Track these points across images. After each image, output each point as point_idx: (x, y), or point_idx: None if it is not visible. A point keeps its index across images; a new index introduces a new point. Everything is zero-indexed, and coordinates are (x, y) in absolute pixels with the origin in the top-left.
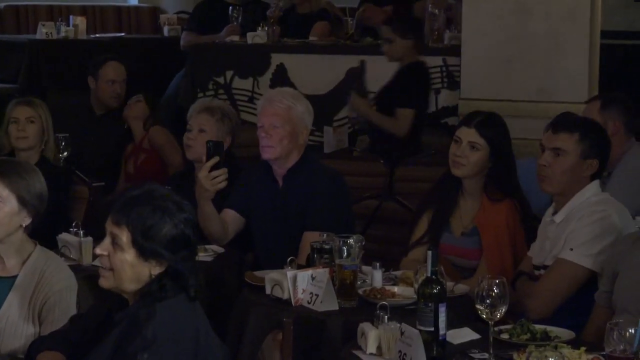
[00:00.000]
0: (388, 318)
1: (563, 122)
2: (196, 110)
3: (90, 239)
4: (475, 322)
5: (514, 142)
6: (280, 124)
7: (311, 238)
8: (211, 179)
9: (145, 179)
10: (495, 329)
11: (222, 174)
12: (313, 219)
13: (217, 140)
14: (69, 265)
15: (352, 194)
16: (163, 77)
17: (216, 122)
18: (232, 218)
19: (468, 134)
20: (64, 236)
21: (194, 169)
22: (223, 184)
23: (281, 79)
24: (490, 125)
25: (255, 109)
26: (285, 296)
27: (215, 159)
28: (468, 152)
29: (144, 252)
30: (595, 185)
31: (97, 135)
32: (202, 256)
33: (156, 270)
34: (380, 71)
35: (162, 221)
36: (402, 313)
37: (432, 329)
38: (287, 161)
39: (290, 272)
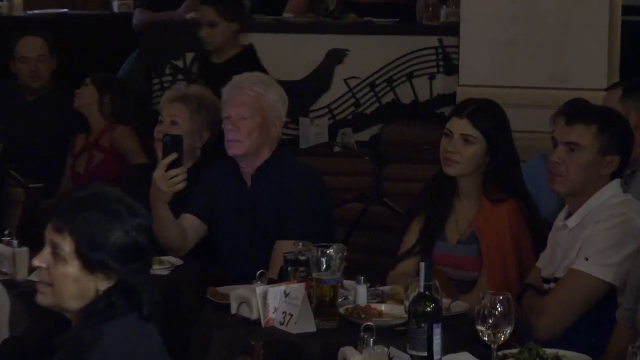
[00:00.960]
0: (374, 341)
1: (579, 112)
2: (168, 98)
3: (25, 249)
4: (476, 345)
5: (521, 136)
6: (249, 114)
7: (284, 248)
8: (168, 178)
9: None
10: (499, 353)
11: (180, 173)
12: (286, 226)
13: (176, 133)
14: (0, 280)
15: (333, 196)
16: (113, 61)
17: (191, 114)
18: (191, 224)
19: (460, 126)
20: None
21: None
22: (182, 185)
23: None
24: (485, 114)
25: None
26: (254, 316)
27: (173, 156)
28: (461, 146)
29: (90, 264)
30: (615, 184)
31: (33, 126)
32: (157, 269)
33: (103, 285)
34: (367, 54)
35: (111, 227)
36: (391, 335)
37: (426, 353)
38: (257, 158)
39: (259, 288)
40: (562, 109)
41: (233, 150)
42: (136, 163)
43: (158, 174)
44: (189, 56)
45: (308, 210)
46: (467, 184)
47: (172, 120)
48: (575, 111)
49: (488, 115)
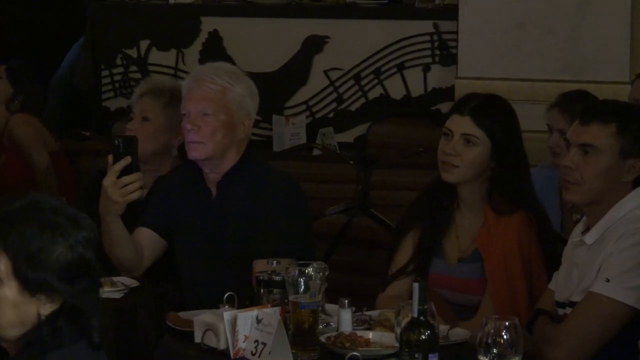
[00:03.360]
0: None
1: (595, 109)
2: (139, 92)
3: None
4: None
5: (530, 136)
6: (212, 111)
7: (260, 267)
8: (120, 186)
9: (5, 189)
10: None
11: (135, 180)
12: (258, 241)
13: (128, 135)
14: None
15: (312, 207)
16: (56, 49)
17: (163, 108)
18: (148, 240)
19: (461, 124)
20: None
21: None
22: (137, 194)
23: (215, 51)
24: (490, 111)
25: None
26: (222, 345)
27: (126, 160)
28: (462, 148)
29: (31, 285)
30: (639, 193)
31: None
32: (109, 292)
33: (47, 308)
34: (351, 42)
35: (53, 242)
36: None
37: None
38: (223, 162)
39: (227, 313)
40: (558, 99)
41: (194, 153)
42: (35, 157)
43: (109, 181)
44: (144, 44)
45: (283, 223)
46: (469, 193)
47: (143, 116)
48: (591, 108)
49: (494, 113)
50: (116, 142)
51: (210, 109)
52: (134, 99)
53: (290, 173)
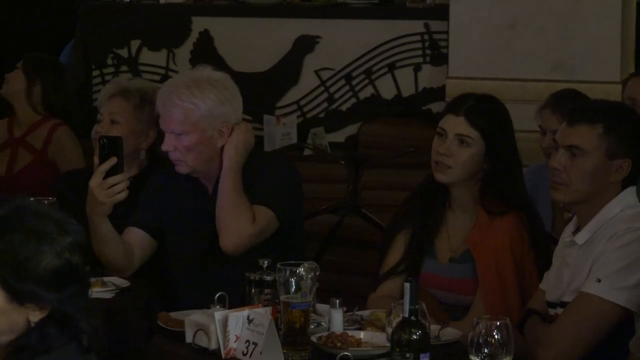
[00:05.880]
0: None
1: (581, 110)
2: (107, 94)
3: None
4: None
5: (521, 136)
6: (182, 131)
7: None
8: (107, 187)
9: (22, 190)
10: None
11: (121, 180)
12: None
13: (114, 135)
14: None
15: (303, 207)
16: (49, 50)
17: (133, 110)
18: (138, 240)
19: (455, 125)
20: None
21: None
22: (123, 195)
23: (206, 51)
24: (486, 111)
25: None
26: (213, 346)
27: (112, 161)
28: (455, 148)
29: (18, 295)
30: (629, 193)
31: None
32: (99, 292)
33: (36, 315)
34: (342, 42)
35: (40, 251)
36: None
37: None
38: (211, 169)
39: (218, 313)
40: (549, 100)
41: (178, 169)
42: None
43: (95, 182)
44: (135, 44)
45: (282, 189)
46: (461, 193)
47: (111, 118)
48: (578, 109)
49: (489, 113)
50: (101, 142)
51: (179, 129)
52: (102, 100)
53: (287, 157)
